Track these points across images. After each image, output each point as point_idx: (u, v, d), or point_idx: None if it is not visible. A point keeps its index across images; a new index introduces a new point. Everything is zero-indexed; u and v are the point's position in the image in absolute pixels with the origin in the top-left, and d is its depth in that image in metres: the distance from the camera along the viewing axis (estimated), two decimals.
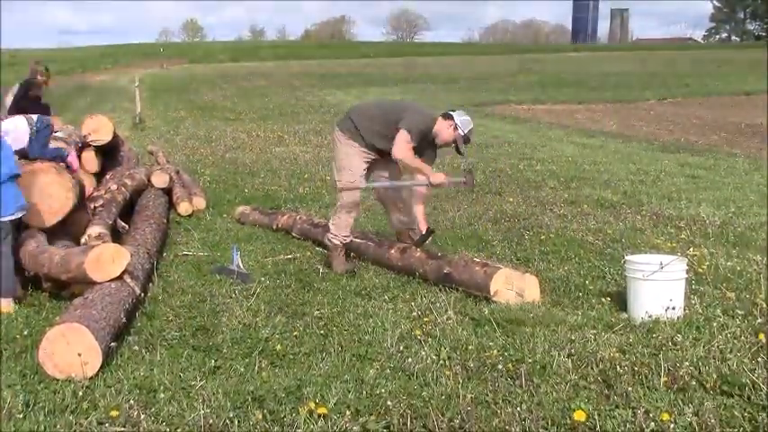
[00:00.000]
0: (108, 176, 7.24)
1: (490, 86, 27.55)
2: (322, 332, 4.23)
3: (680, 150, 12.55)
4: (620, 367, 3.54)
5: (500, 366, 3.62)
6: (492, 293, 4.69)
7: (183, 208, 7.82)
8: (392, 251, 5.56)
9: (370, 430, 3.08)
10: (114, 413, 3.18)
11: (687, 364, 3.54)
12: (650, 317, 4.25)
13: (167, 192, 7.96)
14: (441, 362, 3.71)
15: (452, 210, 7.87)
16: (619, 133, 15.27)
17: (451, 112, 5.52)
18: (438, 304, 4.65)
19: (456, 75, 33.15)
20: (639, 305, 4.36)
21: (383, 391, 3.39)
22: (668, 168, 10.40)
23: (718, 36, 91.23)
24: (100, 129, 7.27)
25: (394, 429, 3.09)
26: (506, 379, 3.53)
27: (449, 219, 7.45)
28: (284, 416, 3.18)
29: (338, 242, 5.69)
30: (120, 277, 4.49)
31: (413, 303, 4.70)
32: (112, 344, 3.84)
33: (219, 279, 5.39)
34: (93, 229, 5.54)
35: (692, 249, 5.74)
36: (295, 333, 4.21)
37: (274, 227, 7.03)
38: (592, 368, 3.59)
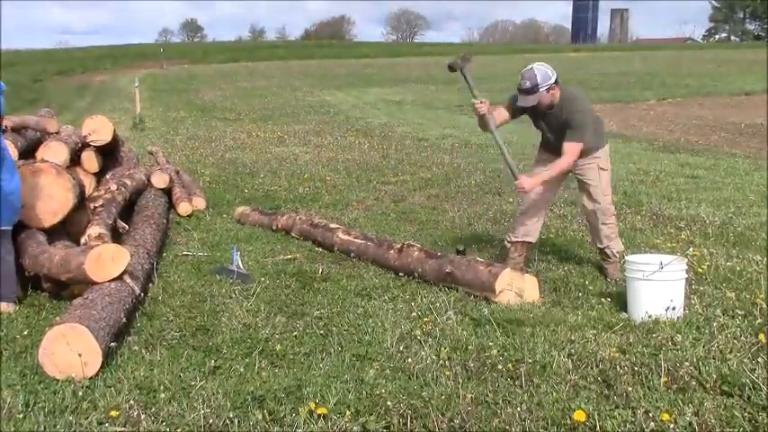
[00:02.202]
0: (108, 177, 7.24)
1: (490, 87, 27.54)
2: (322, 332, 4.23)
3: (680, 150, 12.54)
4: (620, 367, 3.54)
5: (500, 366, 3.62)
6: (497, 293, 4.69)
7: (183, 208, 7.82)
8: (391, 251, 5.56)
9: (370, 430, 3.08)
10: (114, 413, 3.18)
11: (687, 364, 3.54)
12: (650, 317, 4.25)
13: (167, 192, 7.96)
14: (441, 362, 3.71)
15: (452, 210, 7.87)
16: (619, 133, 15.24)
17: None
18: (438, 304, 4.65)
19: (456, 75, 33.13)
20: (639, 305, 4.36)
21: (383, 391, 3.39)
22: (668, 168, 10.40)
23: (717, 36, 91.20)
24: (100, 129, 7.26)
25: (394, 429, 3.09)
26: (506, 379, 3.53)
27: (449, 219, 7.45)
28: (284, 416, 3.18)
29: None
30: (120, 277, 4.49)
31: (413, 303, 4.70)
32: (112, 344, 3.84)
33: (219, 279, 5.39)
34: (93, 230, 5.54)
35: (691, 249, 5.74)
36: (295, 333, 4.21)
37: (274, 227, 7.03)
38: (592, 368, 3.60)
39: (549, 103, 5.11)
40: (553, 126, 5.21)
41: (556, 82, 5.05)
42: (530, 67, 5.07)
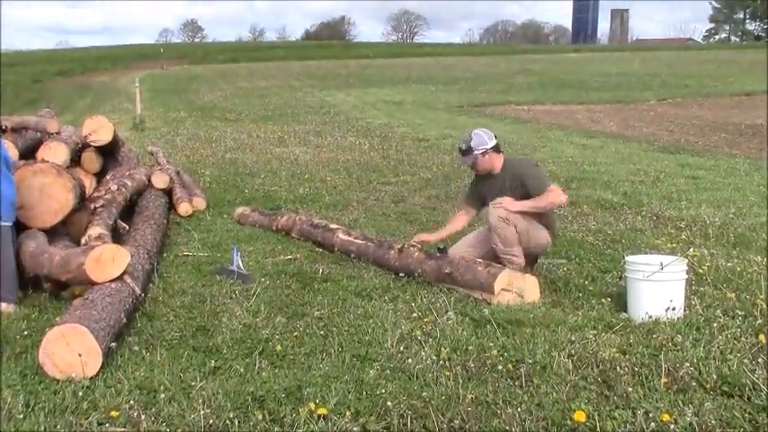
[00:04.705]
0: (108, 177, 7.24)
1: (490, 87, 27.57)
2: (322, 333, 4.23)
3: (680, 151, 12.54)
4: (621, 368, 3.54)
5: (500, 367, 3.62)
6: (496, 293, 4.69)
7: (184, 208, 7.83)
8: (391, 252, 5.56)
9: (370, 431, 3.08)
10: (114, 413, 3.18)
11: (687, 364, 3.54)
12: (650, 317, 4.25)
13: (167, 192, 7.97)
14: (441, 362, 3.71)
15: (453, 210, 7.87)
16: (619, 134, 15.26)
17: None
18: (438, 304, 4.65)
19: (456, 75, 33.16)
20: (640, 306, 4.36)
21: (383, 391, 3.39)
22: (668, 169, 10.40)
23: (717, 36, 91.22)
24: (100, 129, 7.27)
25: (394, 430, 3.09)
26: (506, 379, 3.53)
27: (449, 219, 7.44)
28: (284, 416, 3.18)
29: None
30: (120, 278, 4.49)
31: (413, 304, 4.70)
32: (113, 344, 3.84)
33: (220, 280, 5.39)
34: (94, 230, 5.53)
35: (692, 250, 5.74)
36: (295, 333, 4.21)
37: (274, 227, 7.03)
38: (592, 369, 3.59)
39: (488, 168, 5.35)
40: (500, 189, 5.28)
41: (495, 149, 5.28)
42: (470, 131, 5.39)
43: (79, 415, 3.22)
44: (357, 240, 6.01)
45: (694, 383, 3.41)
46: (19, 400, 3.35)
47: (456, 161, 11.30)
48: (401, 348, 3.91)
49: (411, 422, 3.12)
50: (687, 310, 4.40)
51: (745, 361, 3.60)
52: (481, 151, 5.27)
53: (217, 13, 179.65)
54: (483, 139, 5.28)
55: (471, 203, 5.67)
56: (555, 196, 5.20)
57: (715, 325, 4.09)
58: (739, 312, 4.32)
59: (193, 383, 3.51)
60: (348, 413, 3.16)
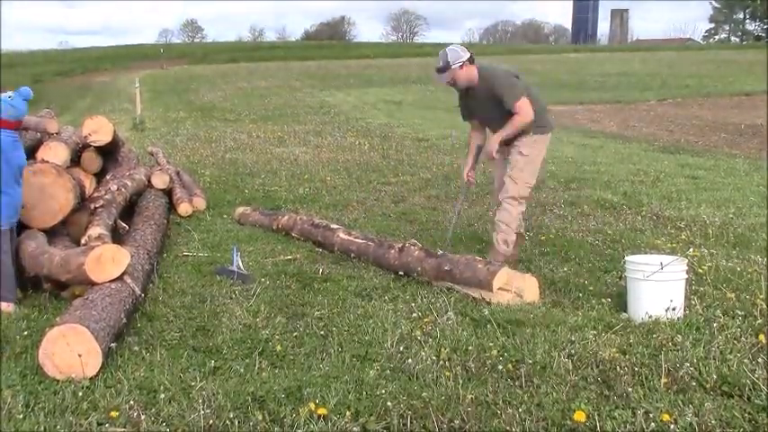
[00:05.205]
0: (108, 177, 7.24)
1: None
2: (322, 333, 4.23)
3: (680, 151, 12.54)
4: (621, 368, 3.54)
5: (500, 367, 3.63)
6: (494, 290, 4.69)
7: (184, 209, 7.83)
8: (392, 251, 5.56)
9: (370, 431, 3.08)
10: (114, 414, 3.19)
11: (687, 364, 3.54)
12: (650, 317, 4.25)
13: (167, 192, 7.97)
14: (441, 363, 3.71)
15: (453, 210, 7.87)
16: (619, 134, 15.27)
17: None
18: (438, 305, 4.65)
19: None
20: (640, 305, 4.36)
21: (383, 391, 3.39)
22: (668, 169, 10.39)
23: (717, 36, 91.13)
24: (100, 129, 7.26)
25: (394, 430, 3.09)
26: (506, 380, 3.53)
27: (449, 219, 7.44)
28: (284, 416, 3.18)
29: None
30: (120, 278, 4.49)
31: (413, 304, 4.70)
32: (113, 344, 3.85)
33: (220, 280, 5.39)
34: (94, 230, 5.54)
35: (692, 250, 5.74)
36: (295, 334, 4.21)
37: (274, 227, 7.03)
38: (592, 369, 3.60)
39: (467, 82, 5.43)
40: (482, 101, 5.48)
41: (470, 60, 5.37)
42: (444, 49, 5.44)
43: (79, 415, 3.22)
44: (357, 240, 6.01)
45: (694, 383, 3.41)
46: (19, 400, 3.35)
47: (455, 161, 11.32)
48: (401, 348, 3.91)
49: (411, 422, 3.12)
50: (687, 310, 4.40)
51: (745, 361, 3.60)
52: (459, 64, 5.34)
53: (217, 13, 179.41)
54: (458, 53, 5.36)
55: (471, 117, 5.76)
56: (522, 118, 5.36)
57: (715, 325, 4.09)
58: (739, 312, 4.32)
59: (193, 383, 3.51)
60: (348, 413, 3.16)
